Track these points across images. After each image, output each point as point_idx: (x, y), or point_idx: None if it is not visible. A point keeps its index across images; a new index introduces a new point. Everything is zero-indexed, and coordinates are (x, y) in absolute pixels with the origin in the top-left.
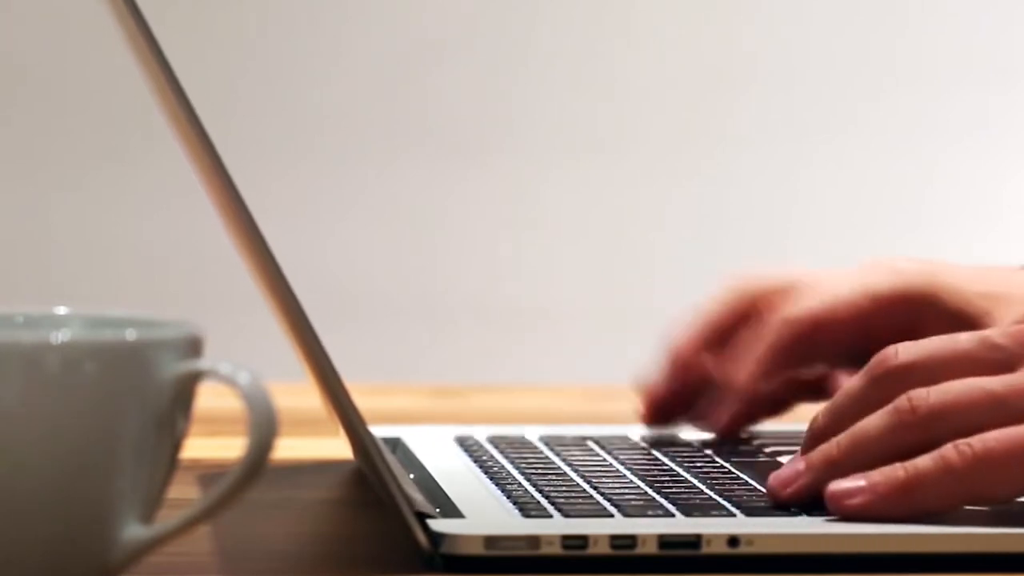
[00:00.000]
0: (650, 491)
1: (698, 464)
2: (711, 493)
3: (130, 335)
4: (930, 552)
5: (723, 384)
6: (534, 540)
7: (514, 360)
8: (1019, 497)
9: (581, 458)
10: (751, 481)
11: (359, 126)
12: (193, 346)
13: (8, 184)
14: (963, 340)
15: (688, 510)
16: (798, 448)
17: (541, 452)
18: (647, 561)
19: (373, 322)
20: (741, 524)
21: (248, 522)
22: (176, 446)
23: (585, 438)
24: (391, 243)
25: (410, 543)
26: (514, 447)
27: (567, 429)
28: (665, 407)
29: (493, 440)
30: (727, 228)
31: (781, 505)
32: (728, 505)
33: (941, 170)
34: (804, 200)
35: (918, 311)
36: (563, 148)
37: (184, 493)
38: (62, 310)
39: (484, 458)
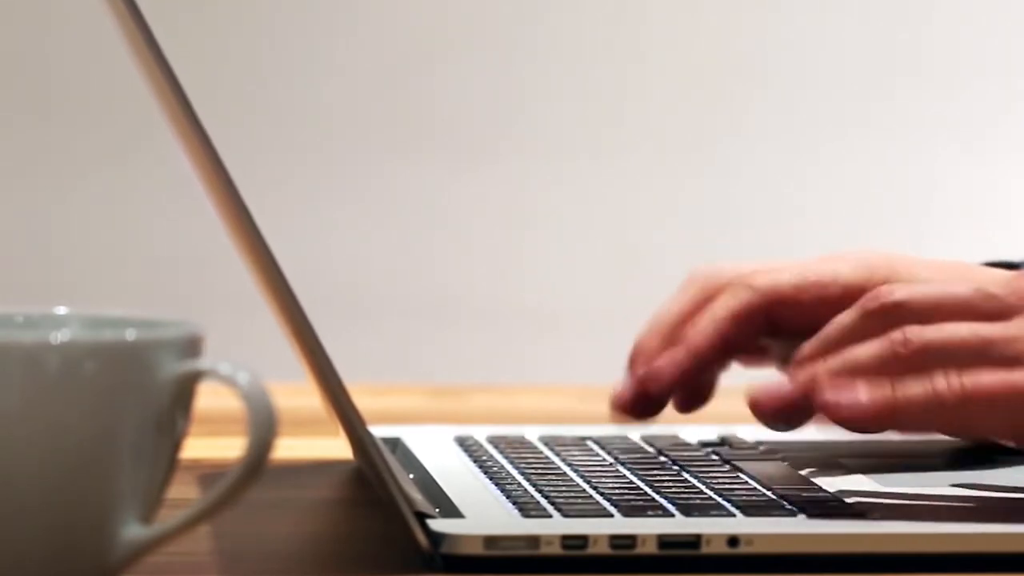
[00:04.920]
0: (650, 491)
1: (698, 464)
2: (711, 493)
3: (130, 335)
4: (930, 552)
5: (679, 344)
6: (534, 540)
7: (514, 360)
8: (997, 438)
9: (581, 458)
10: (751, 481)
11: (360, 126)
12: (193, 346)
13: (8, 184)
14: (959, 286)
15: (688, 510)
16: (799, 452)
17: (541, 452)
18: (647, 561)
19: (373, 322)
20: (741, 524)
21: (248, 522)
22: (176, 446)
23: (585, 438)
24: (391, 243)
25: (410, 543)
26: (514, 447)
27: (567, 429)
28: (634, 410)
29: (493, 440)
30: (728, 228)
31: (765, 420)
32: (728, 505)
33: (945, 169)
34: (808, 200)
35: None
36: (563, 148)
37: (184, 493)
38: (62, 310)
39: (484, 458)
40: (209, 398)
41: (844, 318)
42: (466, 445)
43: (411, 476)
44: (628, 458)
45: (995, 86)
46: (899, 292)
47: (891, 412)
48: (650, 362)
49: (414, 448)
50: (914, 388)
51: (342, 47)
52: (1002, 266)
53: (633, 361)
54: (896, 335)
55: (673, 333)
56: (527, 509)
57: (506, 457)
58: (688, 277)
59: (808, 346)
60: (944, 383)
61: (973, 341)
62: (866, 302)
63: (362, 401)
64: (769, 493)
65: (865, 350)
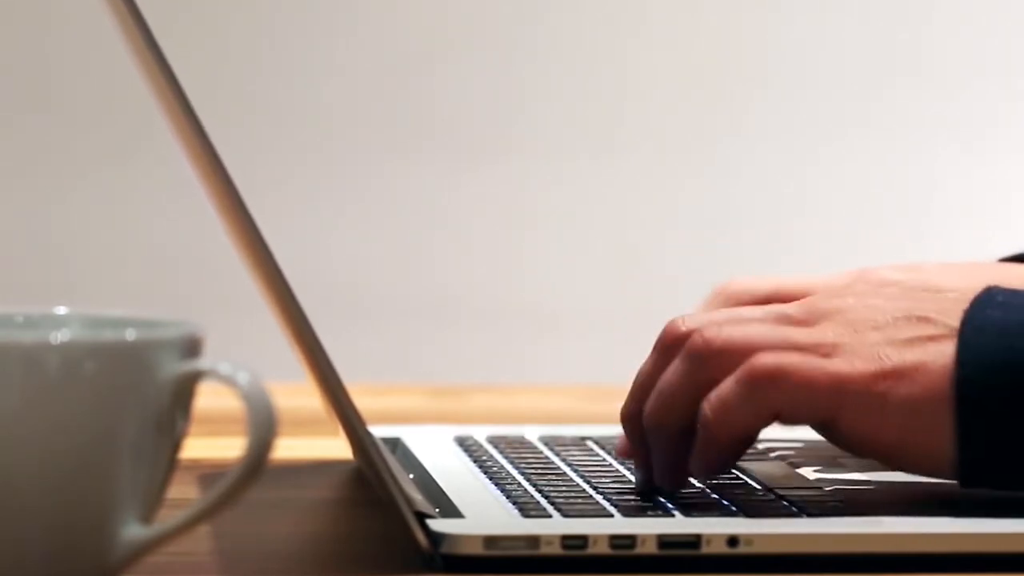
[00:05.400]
0: (650, 491)
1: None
2: (711, 493)
3: (130, 335)
4: (930, 552)
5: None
6: (534, 540)
7: (514, 360)
8: (812, 422)
9: (581, 458)
10: (751, 481)
11: (360, 126)
12: (193, 346)
13: (8, 184)
14: (753, 310)
15: (688, 510)
16: (799, 452)
17: (541, 452)
18: (647, 561)
19: (373, 322)
20: (741, 524)
21: (248, 522)
22: (176, 446)
23: (585, 438)
24: (391, 243)
25: (410, 543)
26: (514, 447)
27: (567, 429)
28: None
29: (493, 440)
30: (728, 228)
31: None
32: (728, 505)
33: (945, 169)
34: (808, 200)
35: None
36: (563, 148)
37: (184, 493)
38: (62, 310)
39: (484, 458)
40: (209, 398)
41: (646, 362)
42: (466, 445)
43: (411, 476)
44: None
45: (995, 86)
46: (690, 322)
47: (717, 428)
48: (632, 431)
49: (414, 448)
50: (726, 385)
51: (342, 47)
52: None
53: (624, 428)
54: (695, 339)
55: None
56: (527, 509)
57: (506, 457)
58: (715, 292)
59: (625, 405)
60: (751, 364)
61: (778, 341)
62: (662, 339)
63: (362, 401)
64: (769, 493)
65: (671, 370)
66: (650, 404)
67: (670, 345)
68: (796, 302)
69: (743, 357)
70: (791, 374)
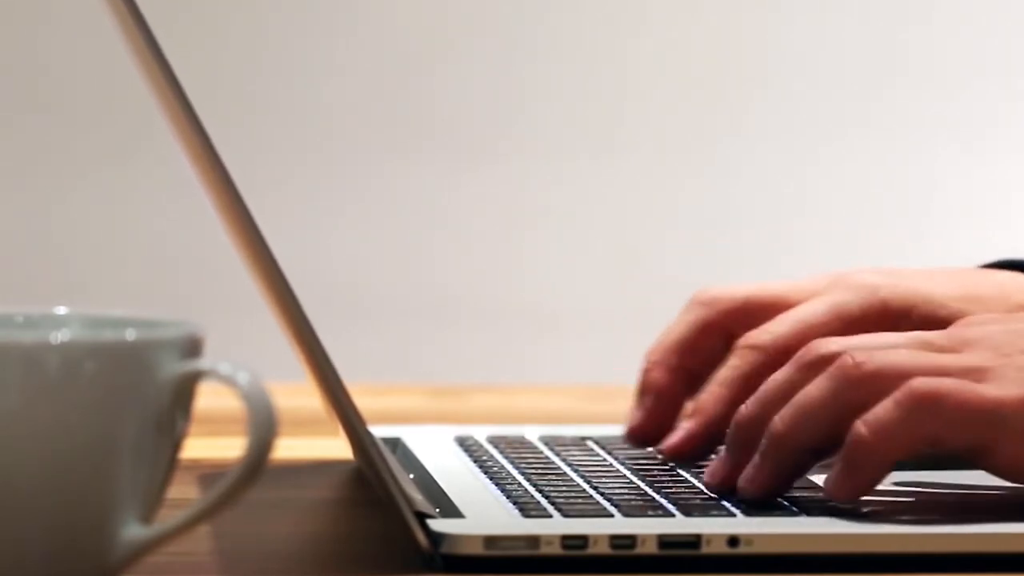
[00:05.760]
0: (650, 491)
1: (698, 464)
2: (711, 493)
3: (130, 335)
4: (930, 552)
5: (693, 412)
6: (534, 540)
7: (514, 360)
8: (963, 454)
9: (581, 458)
10: None
11: (359, 126)
12: (193, 346)
13: (8, 184)
14: (896, 336)
15: (688, 510)
16: None
17: (541, 452)
18: (647, 561)
19: (373, 322)
20: (741, 524)
21: (248, 522)
22: (176, 446)
23: (585, 438)
24: (391, 243)
25: (410, 543)
26: (514, 447)
27: (567, 429)
28: (647, 438)
29: (493, 440)
30: (728, 228)
31: (746, 500)
32: (728, 505)
33: (945, 169)
34: (808, 200)
35: (894, 324)
36: (563, 148)
37: (184, 493)
38: (62, 310)
39: (484, 458)
40: (209, 398)
41: (780, 373)
42: (466, 445)
43: (411, 476)
44: (628, 458)
45: (995, 86)
46: (835, 345)
47: (873, 453)
48: (662, 398)
49: (414, 448)
50: (884, 408)
51: (342, 47)
52: (1007, 266)
53: (643, 393)
54: (845, 361)
55: (680, 364)
56: (527, 509)
57: (506, 457)
58: (692, 298)
59: (746, 408)
60: (910, 387)
61: (928, 366)
62: (802, 356)
63: (362, 401)
64: None
65: (816, 387)
66: (786, 415)
67: (812, 363)
68: (936, 331)
69: (894, 382)
70: (948, 398)
